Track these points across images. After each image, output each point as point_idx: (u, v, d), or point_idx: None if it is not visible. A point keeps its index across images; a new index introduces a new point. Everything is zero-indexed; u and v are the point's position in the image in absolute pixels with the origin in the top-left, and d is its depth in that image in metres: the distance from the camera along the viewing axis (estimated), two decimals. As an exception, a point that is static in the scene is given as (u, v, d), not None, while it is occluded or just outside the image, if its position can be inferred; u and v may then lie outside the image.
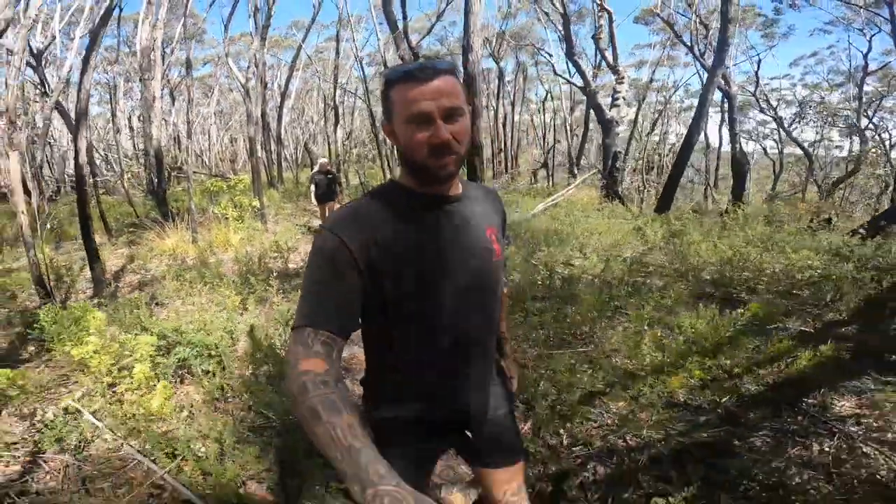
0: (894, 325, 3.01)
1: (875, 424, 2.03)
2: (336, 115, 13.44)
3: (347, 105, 21.01)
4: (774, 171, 20.00)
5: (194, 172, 14.07)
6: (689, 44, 11.52)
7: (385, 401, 0.97)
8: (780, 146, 21.28)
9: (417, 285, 0.87)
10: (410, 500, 0.56)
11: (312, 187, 7.14)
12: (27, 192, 4.46)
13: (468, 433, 1.01)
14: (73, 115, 6.48)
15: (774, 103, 19.10)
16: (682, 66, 22.43)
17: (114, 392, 2.08)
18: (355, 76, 15.99)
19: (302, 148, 23.55)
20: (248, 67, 11.33)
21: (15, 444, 1.99)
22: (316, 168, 7.43)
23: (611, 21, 10.71)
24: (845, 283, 3.50)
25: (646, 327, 2.86)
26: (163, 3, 8.11)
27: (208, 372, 2.22)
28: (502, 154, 20.78)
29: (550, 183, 17.16)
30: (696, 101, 14.60)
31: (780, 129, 18.21)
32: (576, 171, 16.52)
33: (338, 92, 14.81)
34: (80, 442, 1.98)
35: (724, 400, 2.21)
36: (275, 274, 3.91)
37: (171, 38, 14.67)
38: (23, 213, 3.39)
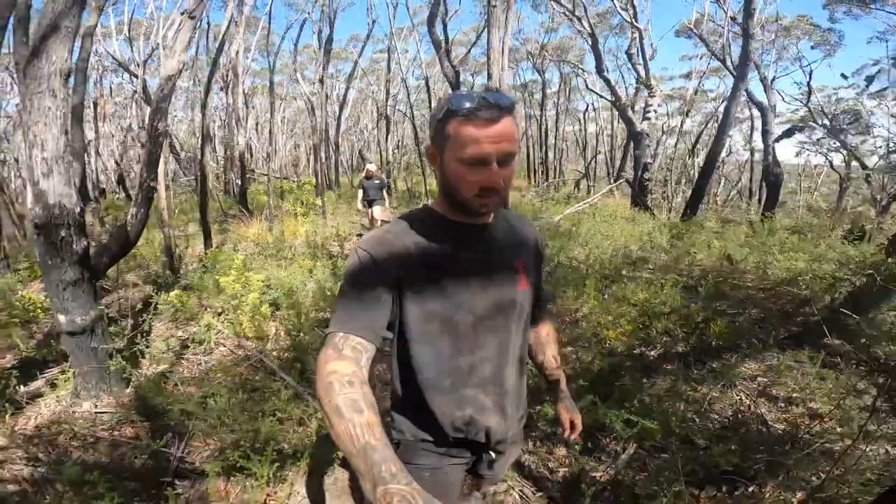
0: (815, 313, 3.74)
1: (766, 381, 2.82)
2: (387, 124, 14.84)
3: (399, 115, 22.56)
4: (841, 184, 19.32)
5: (264, 175, 15.98)
6: (720, 57, 11.91)
7: (407, 421, 0.99)
8: (846, 158, 20.48)
9: (437, 310, 0.90)
10: (419, 500, 0.58)
11: (360, 192, 7.37)
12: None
13: (491, 454, 1.02)
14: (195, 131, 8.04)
15: (830, 114, 18.59)
16: (731, 77, 22.14)
17: (235, 313, 3.31)
18: (405, 89, 17.43)
19: (357, 154, 25.41)
20: (314, 84, 12.89)
21: (166, 351, 3.19)
22: (363, 174, 7.72)
23: (640, 38, 11.36)
24: (813, 281, 4.16)
25: (606, 297, 3.78)
26: (242, 22, 9.75)
27: (290, 307, 3.41)
28: (543, 164, 21.55)
29: (590, 192, 17.77)
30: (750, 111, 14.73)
31: (836, 140, 17.74)
32: (613, 181, 17.01)
33: (389, 102, 16.25)
34: (213, 345, 3.20)
35: (646, 350, 3.11)
36: (334, 253, 5.15)
37: (248, 48, 16.72)
38: (164, 203, 4.80)
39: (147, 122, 3.09)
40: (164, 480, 1.92)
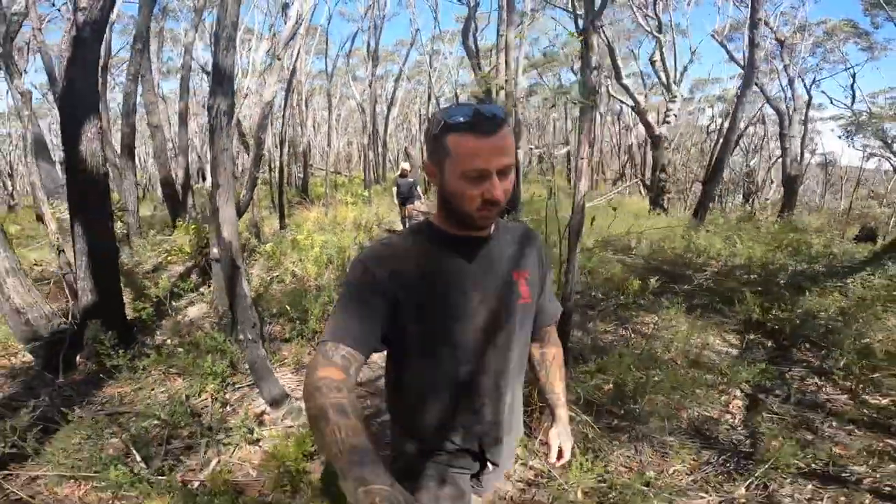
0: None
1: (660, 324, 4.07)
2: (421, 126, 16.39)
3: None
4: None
5: (319, 169, 18.04)
6: (741, 64, 12.51)
7: (406, 435, 1.02)
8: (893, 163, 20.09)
9: (433, 322, 0.91)
10: (402, 500, 0.58)
11: (395, 189, 7.71)
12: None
13: (489, 465, 1.04)
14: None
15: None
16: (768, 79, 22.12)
17: (303, 262, 4.94)
18: (448, 90, 18.91)
19: (403, 151, 27.30)
20: (365, 85, 14.64)
21: (261, 283, 4.88)
22: (398, 173, 7.99)
23: (660, 46, 12.23)
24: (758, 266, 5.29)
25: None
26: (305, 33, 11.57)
27: (339, 258, 5.00)
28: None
29: (627, 192, 18.63)
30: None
31: (881, 142, 17.53)
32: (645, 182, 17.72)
33: (432, 104, 17.81)
34: (288, 282, 4.85)
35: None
36: (372, 229, 6.77)
37: (307, 51, 18.85)
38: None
39: (255, 132, 4.74)
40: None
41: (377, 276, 0.88)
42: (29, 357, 3.29)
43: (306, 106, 22.77)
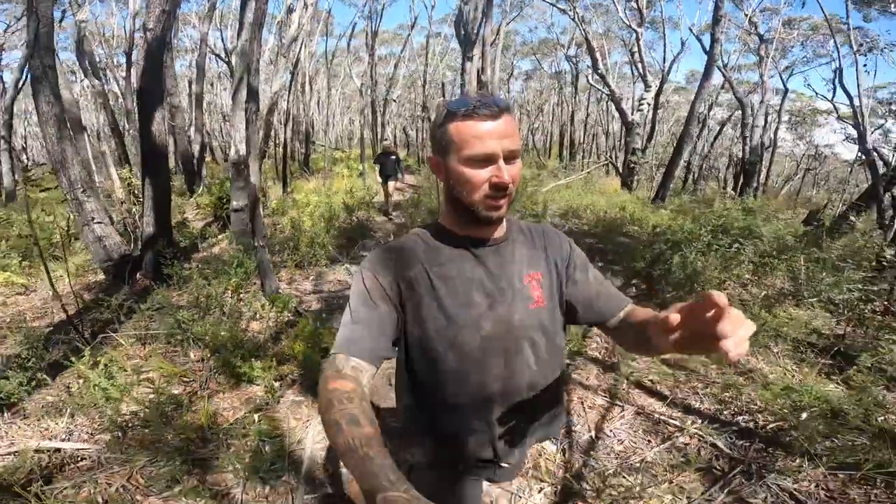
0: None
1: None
2: (424, 107, 17.54)
3: (440, 98, 25.13)
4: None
5: (321, 146, 19.24)
6: (725, 62, 13.50)
7: (417, 442, 1.01)
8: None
9: (441, 329, 0.89)
10: None
11: (377, 167, 7.69)
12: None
13: (504, 464, 1.03)
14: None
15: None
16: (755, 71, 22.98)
17: (300, 216, 6.27)
18: (450, 74, 19.90)
19: (401, 131, 28.40)
20: (361, 75, 15.74)
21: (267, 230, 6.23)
22: (380, 150, 8.11)
23: (638, 39, 13.24)
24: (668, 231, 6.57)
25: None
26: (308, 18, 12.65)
27: (329, 213, 6.32)
28: (570, 146, 23.56)
29: (607, 172, 19.78)
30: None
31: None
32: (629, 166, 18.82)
33: (427, 88, 18.86)
34: (288, 231, 6.18)
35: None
36: (362, 196, 8.10)
37: (311, 32, 19.83)
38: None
39: (265, 114, 6.01)
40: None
41: (381, 281, 0.88)
42: (100, 277, 4.64)
43: (310, 86, 23.82)
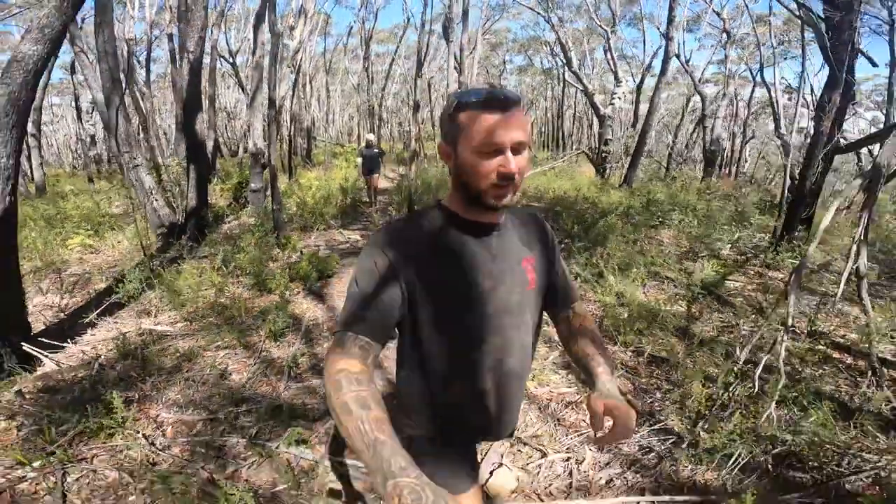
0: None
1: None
2: (416, 104, 18.89)
3: (436, 95, 26.46)
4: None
5: (322, 141, 20.66)
6: (686, 57, 14.79)
7: (414, 415, 1.05)
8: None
9: (444, 308, 0.93)
10: (428, 492, 0.61)
11: (359, 160, 8.04)
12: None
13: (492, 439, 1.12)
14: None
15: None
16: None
17: (306, 198, 7.72)
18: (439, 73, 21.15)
19: (397, 125, 29.84)
20: (357, 74, 17.10)
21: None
22: (363, 144, 8.48)
23: (608, 38, 14.55)
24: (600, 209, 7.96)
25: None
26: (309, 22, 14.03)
27: (327, 193, 7.76)
28: (557, 138, 24.93)
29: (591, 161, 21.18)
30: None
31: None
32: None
33: (421, 85, 20.16)
34: (294, 208, 7.62)
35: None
36: (355, 181, 9.55)
37: (310, 30, 21.20)
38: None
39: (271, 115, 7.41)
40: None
41: (391, 260, 0.88)
42: (153, 239, 6.09)
43: (310, 85, 25.22)
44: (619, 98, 15.10)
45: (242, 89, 17.58)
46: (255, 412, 2.58)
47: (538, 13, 15.05)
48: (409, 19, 19.20)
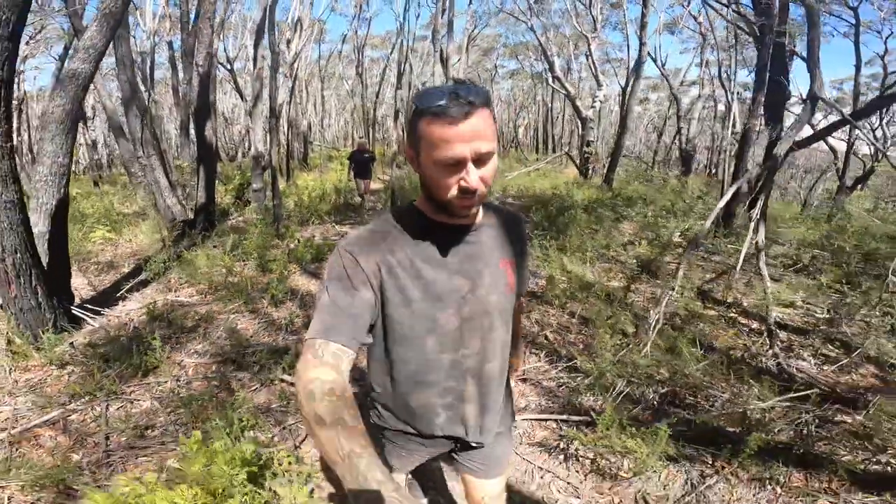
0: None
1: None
2: (396, 112, 19.67)
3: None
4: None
5: (318, 145, 21.41)
6: (660, 60, 15.59)
7: (388, 414, 1.04)
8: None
9: (422, 312, 0.91)
10: None
11: (349, 163, 8.16)
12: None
13: (470, 444, 1.07)
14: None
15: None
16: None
17: (303, 197, 8.45)
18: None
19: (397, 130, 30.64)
20: (352, 80, 17.86)
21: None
22: (354, 148, 8.67)
23: (588, 43, 15.34)
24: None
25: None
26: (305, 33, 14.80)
27: (322, 193, 8.51)
28: (546, 141, 25.75)
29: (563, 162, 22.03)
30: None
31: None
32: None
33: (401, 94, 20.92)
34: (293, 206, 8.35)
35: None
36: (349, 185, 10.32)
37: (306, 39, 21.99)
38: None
39: (271, 123, 8.16)
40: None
41: (362, 264, 0.87)
42: (165, 234, 6.81)
43: (306, 90, 25.99)
44: (600, 101, 15.89)
45: (240, 95, 18.28)
46: (258, 353, 3.30)
47: (520, 20, 15.84)
48: (401, 27, 20.02)
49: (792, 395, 2.69)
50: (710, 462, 2.27)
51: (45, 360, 3.16)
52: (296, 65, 10.16)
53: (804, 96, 4.00)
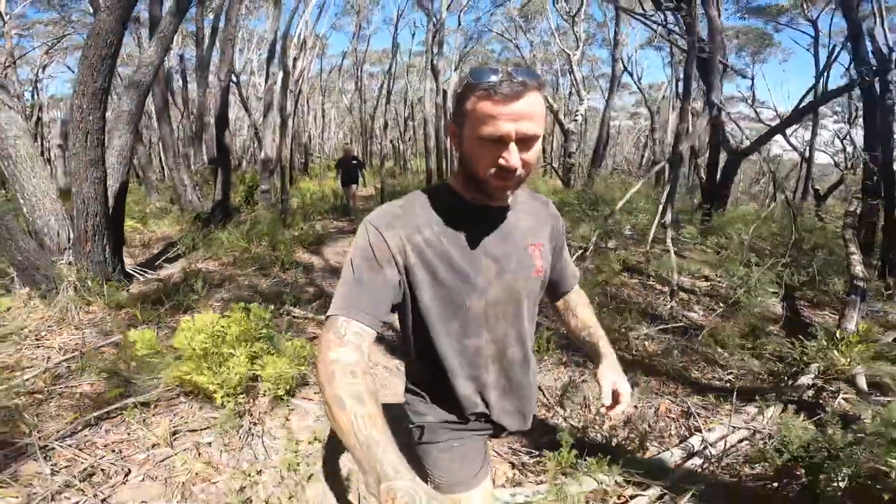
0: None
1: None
2: (405, 122, 20.95)
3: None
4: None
5: (318, 157, 22.61)
6: (629, 71, 16.85)
7: (424, 403, 1.04)
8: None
9: (448, 293, 0.90)
10: (423, 496, 0.59)
11: (337, 170, 8.36)
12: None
13: (504, 430, 1.09)
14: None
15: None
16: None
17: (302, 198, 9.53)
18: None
19: (389, 143, 31.94)
20: (350, 94, 19.10)
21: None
22: (342, 154, 8.79)
23: (570, 59, 16.62)
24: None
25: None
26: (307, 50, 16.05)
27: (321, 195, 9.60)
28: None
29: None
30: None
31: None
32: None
33: (411, 104, 22.21)
34: (295, 206, 9.43)
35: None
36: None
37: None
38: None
39: (283, 132, 9.28)
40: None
41: (389, 240, 0.86)
42: (188, 224, 7.85)
43: (307, 104, 27.31)
44: (582, 115, 17.11)
45: (244, 107, 19.47)
46: (271, 296, 4.34)
47: (503, 37, 17.14)
48: (397, 47, 21.39)
49: (662, 325, 3.75)
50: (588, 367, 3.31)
51: (105, 304, 4.16)
52: (300, 81, 11.28)
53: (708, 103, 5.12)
